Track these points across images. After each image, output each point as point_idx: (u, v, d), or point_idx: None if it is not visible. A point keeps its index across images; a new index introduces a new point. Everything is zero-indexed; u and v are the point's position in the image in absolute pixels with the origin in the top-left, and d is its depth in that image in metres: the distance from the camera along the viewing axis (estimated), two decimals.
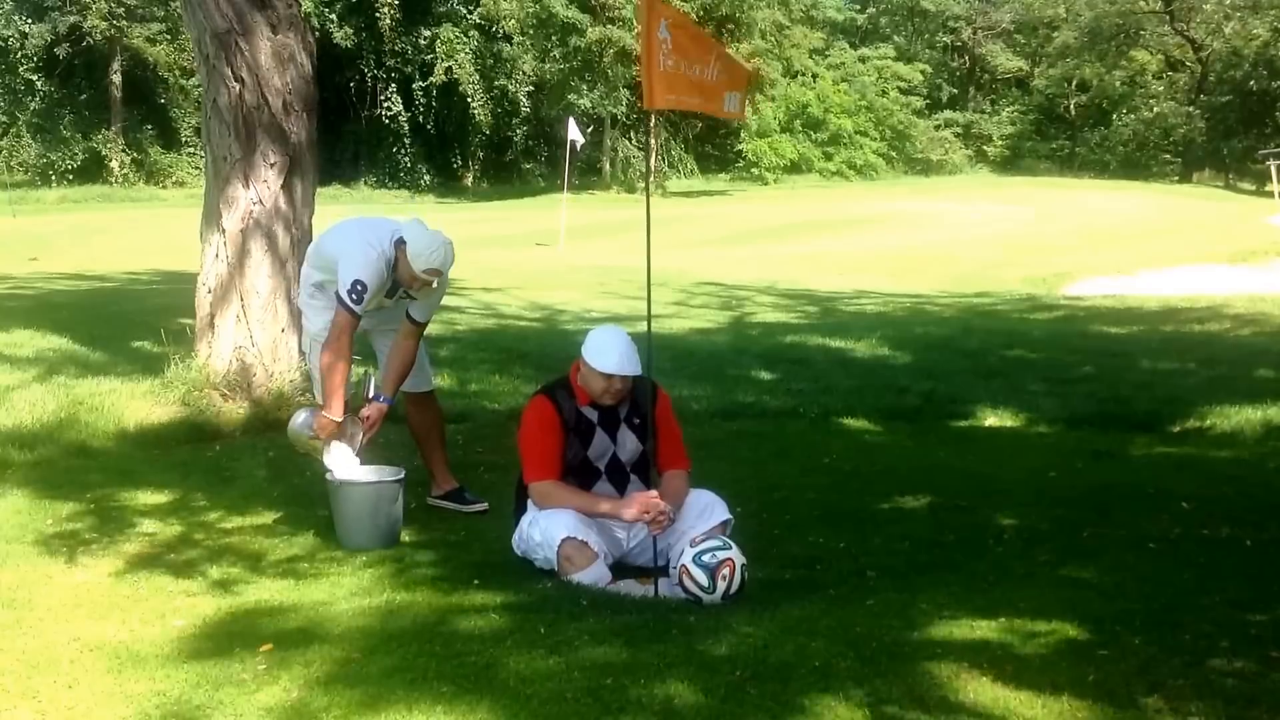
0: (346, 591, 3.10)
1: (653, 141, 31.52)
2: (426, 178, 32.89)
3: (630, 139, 34.43)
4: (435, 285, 3.67)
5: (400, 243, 3.65)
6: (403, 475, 3.65)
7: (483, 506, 3.95)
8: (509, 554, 3.37)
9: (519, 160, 35.25)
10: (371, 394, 3.79)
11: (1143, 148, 37.71)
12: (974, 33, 44.07)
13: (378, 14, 30.67)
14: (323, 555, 3.46)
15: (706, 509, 3.31)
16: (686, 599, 3.06)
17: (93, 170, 30.82)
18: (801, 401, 5.85)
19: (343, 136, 31.73)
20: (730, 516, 3.34)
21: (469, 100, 31.04)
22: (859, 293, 11.96)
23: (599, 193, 30.53)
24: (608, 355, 3.24)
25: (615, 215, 21.87)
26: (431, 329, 4.08)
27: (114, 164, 30.85)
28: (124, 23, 30.57)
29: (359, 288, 3.59)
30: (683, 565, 3.08)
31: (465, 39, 31.54)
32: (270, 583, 3.16)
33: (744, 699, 2.34)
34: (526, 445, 3.37)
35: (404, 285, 3.69)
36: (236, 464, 4.39)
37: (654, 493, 3.25)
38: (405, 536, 3.65)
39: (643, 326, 3.67)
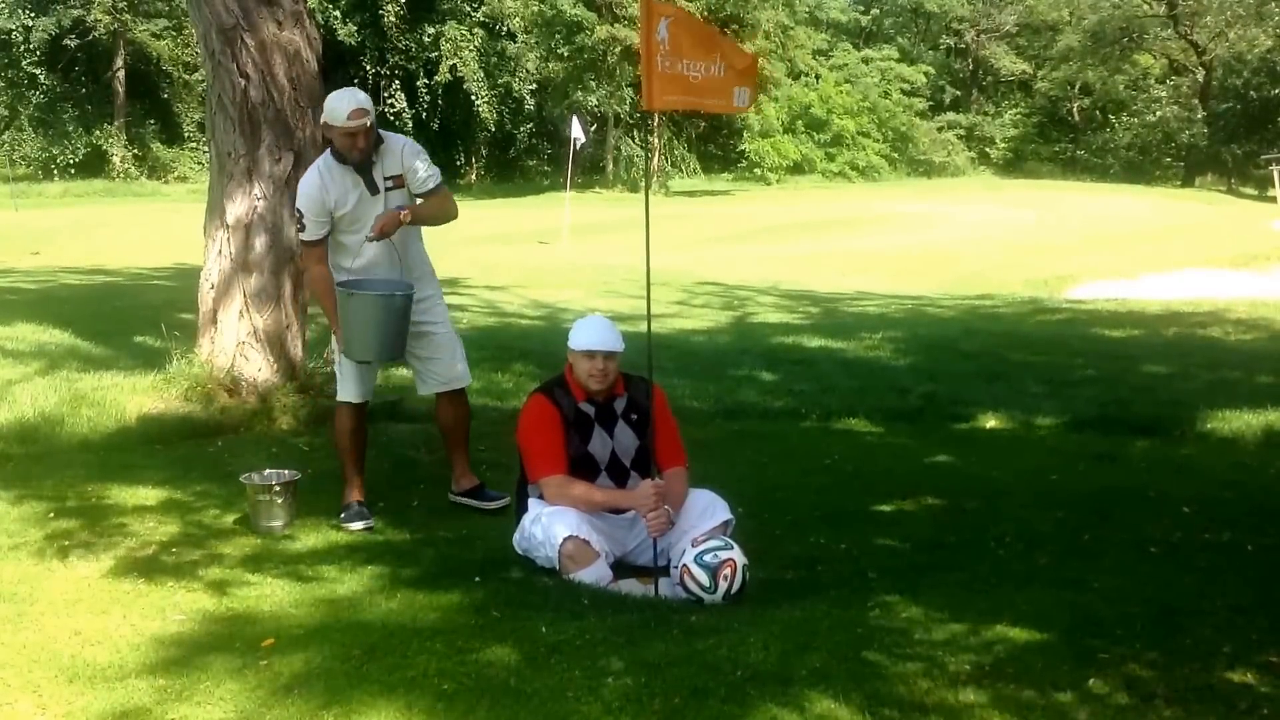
0: (348, 588, 3.10)
1: (655, 141, 31.53)
2: None
3: (634, 137, 34.44)
4: (368, 129, 3.67)
5: (324, 128, 3.73)
6: (413, 291, 3.69)
7: (504, 502, 3.92)
8: (510, 552, 3.37)
9: (522, 158, 35.25)
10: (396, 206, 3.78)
11: (1145, 151, 37.72)
12: (977, 35, 44.06)
13: (382, 11, 30.67)
14: (324, 552, 3.46)
15: (708, 509, 3.32)
16: (688, 599, 3.06)
17: (95, 165, 30.82)
18: (803, 402, 5.85)
19: None
20: (731, 516, 3.35)
21: (474, 98, 31.05)
22: (861, 294, 11.96)
23: (602, 191, 30.55)
24: (583, 333, 3.34)
25: (618, 214, 21.87)
26: (432, 327, 4.07)
27: (116, 159, 30.85)
28: (128, 17, 30.58)
29: (297, 214, 3.81)
30: (684, 565, 3.09)
31: (469, 36, 31.54)
32: (272, 579, 3.16)
33: (745, 700, 2.35)
34: (529, 443, 3.38)
35: (354, 155, 3.70)
36: (238, 460, 4.38)
37: (658, 480, 3.26)
38: (406, 534, 3.65)
39: (644, 326, 3.68)
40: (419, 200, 3.86)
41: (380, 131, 3.77)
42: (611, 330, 3.37)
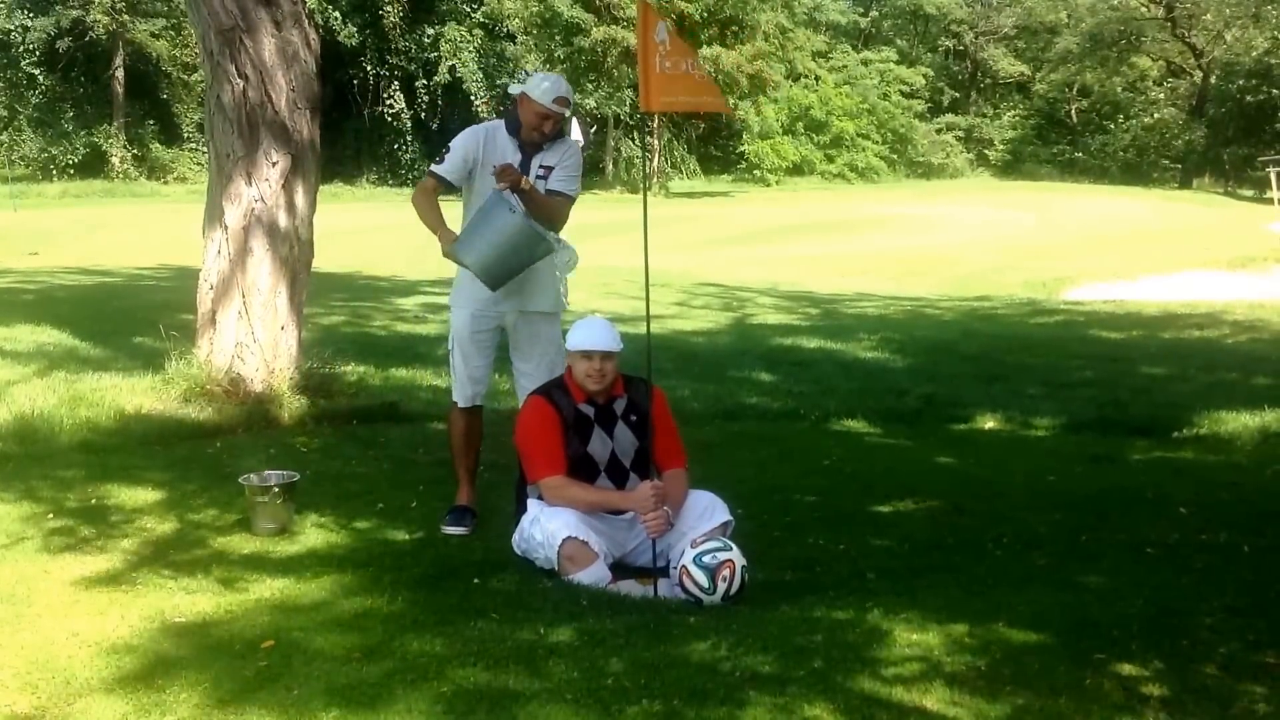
0: (347, 590, 3.10)
1: (655, 142, 31.57)
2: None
3: (634, 139, 34.46)
4: (567, 120, 3.69)
5: (518, 97, 3.70)
6: (554, 249, 3.62)
7: None
8: (509, 553, 3.37)
9: None
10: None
11: (1143, 153, 37.79)
12: (976, 37, 44.13)
13: (382, 12, 30.68)
14: (323, 553, 3.46)
15: (707, 510, 3.32)
16: (686, 600, 3.06)
17: (94, 165, 30.81)
18: (802, 404, 5.87)
19: (345, 133, 31.73)
20: (731, 518, 3.35)
21: (473, 99, 31.07)
22: (860, 295, 11.98)
23: (602, 192, 30.55)
24: (580, 333, 3.35)
25: (618, 215, 21.86)
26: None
27: (115, 159, 30.84)
28: (126, 17, 30.57)
29: (444, 151, 3.72)
30: (683, 566, 3.09)
31: (469, 37, 31.56)
32: (271, 580, 3.16)
33: (743, 701, 2.35)
34: (529, 444, 3.38)
35: (534, 135, 3.67)
36: (237, 461, 4.38)
37: (657, 482, 3.27)
38: (405, 535, 3.65)
39: (644, 327, 3.68)
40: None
41: (563, 129, 3.78)
42: (609, 331, 3.38)
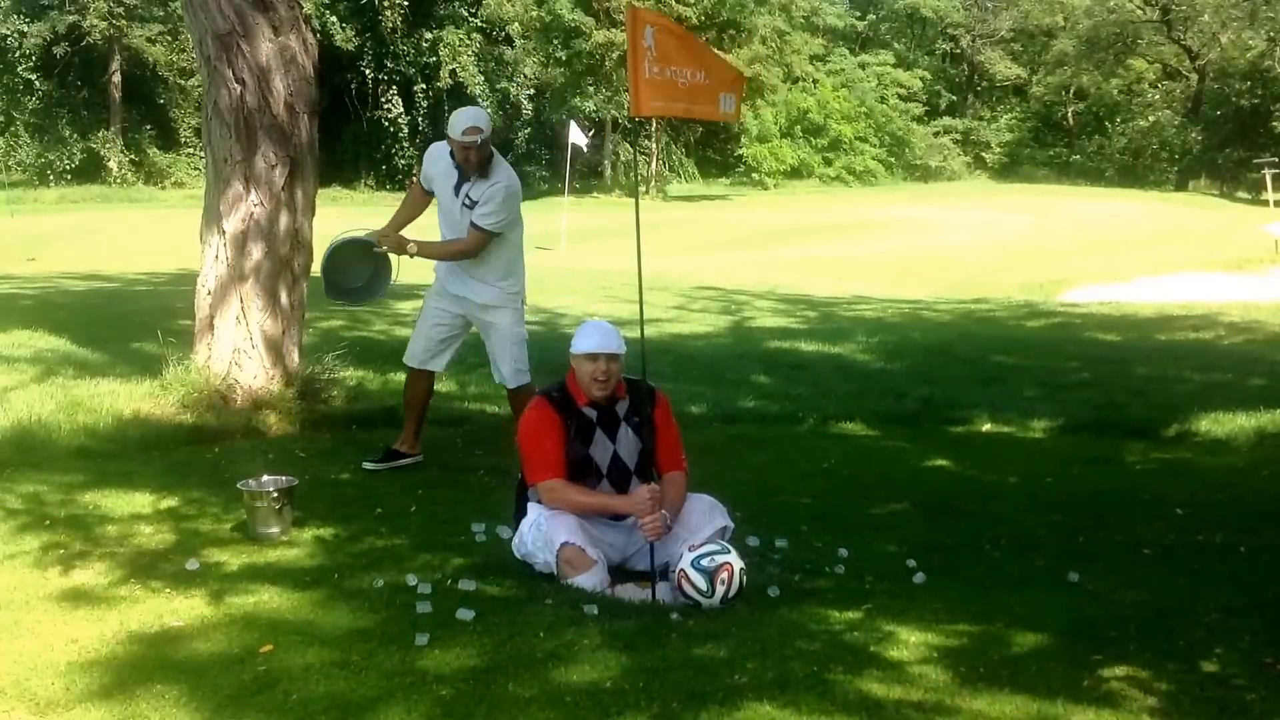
0: (345, 594, 3.10)
1: (654, 146, 31.62)
2: None
3: (632, 143, 34.53)
4: (479, 144, 4.14)
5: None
6: (340, 243, 4.45)
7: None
8: (509, 557, 3.38)
9: (520, 163, 35.22)
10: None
11: (1139, 156, 37.88)
12: (973, 40, 44.25)
13: (381, 16, 30.70)
14: (322, 557, 3.46)
15: (706, 514, 3.33)
16: (685, 603, 3.07)
17: (91, 170, 30.81)
18: (800, 406, 5.88)
19: (343, 138, 31.74)
20: (730, 522, 3.36)
21: (478, 102, 31.10)
22: (858, 298, 12.00)
23: (600, 196, 30.61)
24: (588, 337, 3.37)
25: (616, 218, 21.89)
26: (493, 329, 4.49)
27: (112, 164, 30.83)
28: (123, 22, 30.59)
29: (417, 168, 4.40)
30: (681, 569, 3.09)
31: (468, 41, 31.59)
32: (269, 585, 3.16)
33: (742, 703, 2.35)
34: (528, 447, 3.38)
35: (461, 164, 4.20)
36: (235, 466, 4.38)
37: (654, 485, 3.27)
38: (404, 539, 3.65)
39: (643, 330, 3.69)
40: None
41: (500, 162, 4.28)
42: (614, 334, 3.38)
